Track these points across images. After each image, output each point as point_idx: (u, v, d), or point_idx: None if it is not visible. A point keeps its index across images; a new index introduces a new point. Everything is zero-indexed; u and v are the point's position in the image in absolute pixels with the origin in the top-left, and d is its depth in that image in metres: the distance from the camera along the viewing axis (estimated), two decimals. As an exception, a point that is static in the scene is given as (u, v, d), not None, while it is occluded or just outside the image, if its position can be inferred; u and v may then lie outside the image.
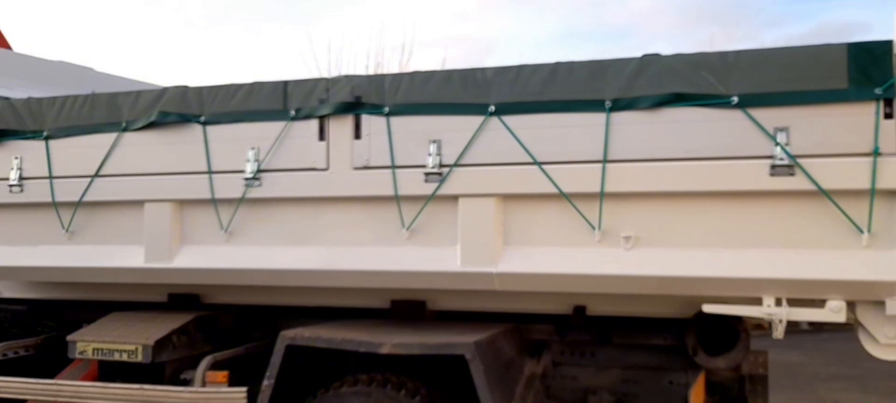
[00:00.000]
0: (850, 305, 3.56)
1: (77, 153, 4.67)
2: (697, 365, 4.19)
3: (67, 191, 4.70)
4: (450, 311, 4.60)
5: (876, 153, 3.36)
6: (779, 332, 3.57)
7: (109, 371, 4.80)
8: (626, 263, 3.75)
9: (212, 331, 4.96)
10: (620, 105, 3.71)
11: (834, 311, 3.46)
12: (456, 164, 3.96)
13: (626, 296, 4.07)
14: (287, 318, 4.76)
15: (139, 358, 4.55)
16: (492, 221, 3.93)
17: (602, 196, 3.74)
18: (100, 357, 4.66)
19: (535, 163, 3.83)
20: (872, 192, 3.38)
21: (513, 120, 3.87)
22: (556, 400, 4.51)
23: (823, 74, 3.44)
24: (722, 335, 4.14)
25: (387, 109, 4.08)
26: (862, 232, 3.42)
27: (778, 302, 3.56)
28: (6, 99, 4.99)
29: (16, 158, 4.81)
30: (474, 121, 3.93)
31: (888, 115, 3.37)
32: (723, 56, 3.61)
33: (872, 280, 3.40)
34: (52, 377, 4.82)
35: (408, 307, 4.62)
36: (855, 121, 3.40)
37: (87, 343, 4.70)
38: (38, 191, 4.77)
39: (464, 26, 29.30)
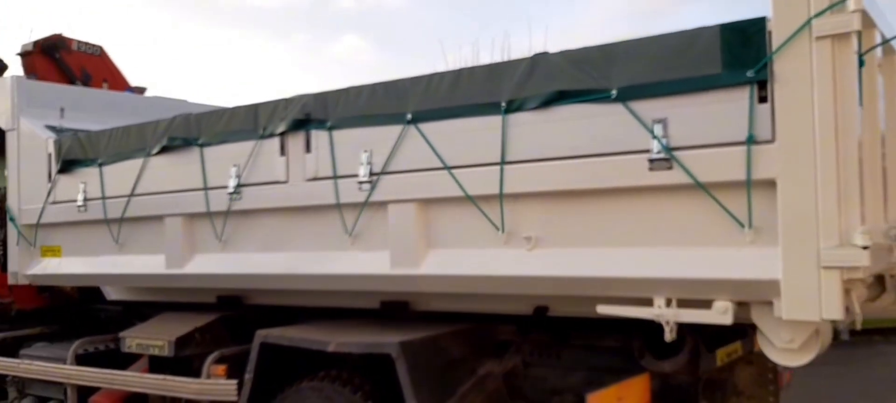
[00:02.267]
0: (744, 306, 3.27)
1: (120, 177, 5.45)
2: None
3: (115, 210, 5.49)
4: (436, 312, 4.75)
5: (750, 141, 3.09)
6: (667, 335, 3.36)
7: (159, 363, 5.52)
8: (527, 264, 3.73)
9: (239, 330, 5.51)
10: (514, 106, 3.70)
11: (720, 312, 3.22)
12: (382, 172, 4.15)
13: (583, 297, 4.01)
14: (305, 319, 5.16)
15: (165, 352, 5.23)
16: (413, 225, 4.07)
17: (501, 197, 3.75)
18: (140, 351, 5.42)
19: (445, 167, 3.92)
20: (748, 183, 3.10)
21: (427, 127, 3.99)
22: (523, 400, 4.51)
23: (698, 60, 3.22)
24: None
25: (329, 124, 4.37)
26: (743, 226, 3.15)
27: (669, 303, 3.37)
28: (75, 133, 5.91)
29: (82, 183, 5.71)
30: (396, 130, 4.10)
31: (762, 99, 3.08)
32: (603, 49, 3.49)
33: (755, 279, 3.12)
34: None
35: (394, 308, 4.85)
36: (729, 107, 3.15)
37: (133, 338, 5.48)
38: (96, 210, 5.62)
39: (658, 23, 28.45)
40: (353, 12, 34.30)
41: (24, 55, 7.27)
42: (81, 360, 5.89)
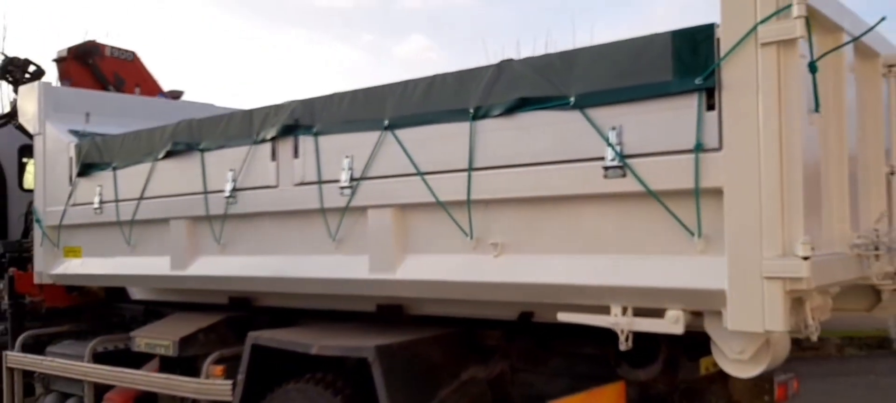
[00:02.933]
0: (698, 316, 3.24)
1: (132, 180, 5.67)
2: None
3: (127, 212, 5.71)
4: (429, 316, 4.79)
5: (697, 149, 3.06)
6: (622, 344, 3.35)
7: (169, 362, 5.71)
8: (494, 270, 3.76)
9: (246, 331, 5.65)
10: (480, 113, 3.74)
11: (671, 322, 3.19)
12: (361, 178, 4.23)
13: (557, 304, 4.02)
14: (309, 321, 5.26)
15: (170, 352, 5.41)
16: (391, 230, 4.14)
17: (469, 204, 3.79)
18: (148, 351, 5.61)
19: (419, 173, 3.98)
20: (697, 192, 3.08)
21: (402, 133, 4.06)
22: None
23: (651, 67, 3.21)
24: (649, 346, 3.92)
25: (315, 130, 4.47)
26: (692, 235, 3.13)
27: (624, 312, 3.35)
28: (92, 138, 6.16)
29: (98, 186, 5.95)
30: (374, 136, 4.18)
31: (711, 107, 3.06)
32: (564, 56, 3.51)
33: (704, 288, 3.09)
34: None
35: (389, 312, 4.92)
36: (679, 114, 3.13)
37: (142, 338, 5.68)
38: (111, 213, 5.85)
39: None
40: (420, 11, 34.48)
41: (59, 61, 7.61)
42: (99, 358, 6.11)
